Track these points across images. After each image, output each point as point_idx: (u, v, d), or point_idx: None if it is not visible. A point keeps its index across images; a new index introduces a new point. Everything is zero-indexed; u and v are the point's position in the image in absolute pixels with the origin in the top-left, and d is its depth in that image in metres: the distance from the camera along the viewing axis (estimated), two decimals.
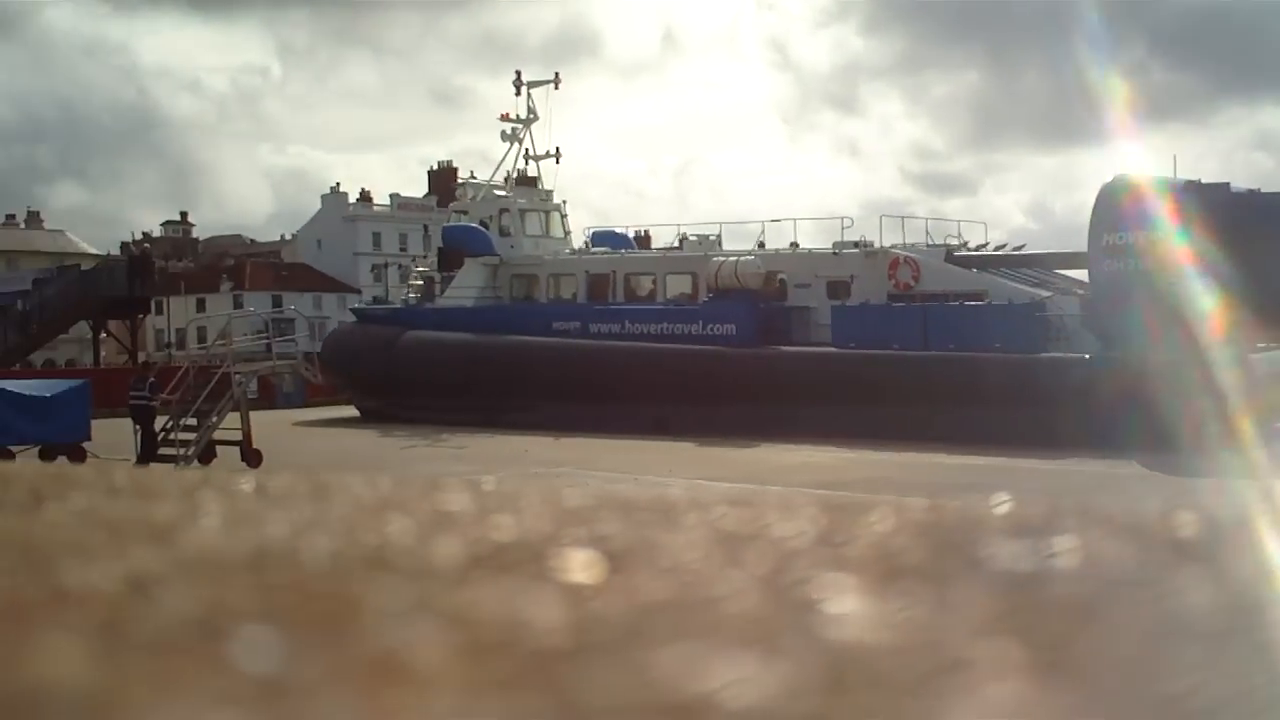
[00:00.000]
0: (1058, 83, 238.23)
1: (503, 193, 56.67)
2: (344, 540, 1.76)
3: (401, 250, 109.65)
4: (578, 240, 57.32)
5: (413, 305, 54.77)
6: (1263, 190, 38.95)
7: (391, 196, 66.22)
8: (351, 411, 51.31)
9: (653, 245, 56.09)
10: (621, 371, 43.12)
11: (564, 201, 59.98)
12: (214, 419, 33.93)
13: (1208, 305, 34.81)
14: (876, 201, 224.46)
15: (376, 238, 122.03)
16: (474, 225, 54.25)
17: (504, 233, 54.16)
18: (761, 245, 51.27)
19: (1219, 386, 33.59)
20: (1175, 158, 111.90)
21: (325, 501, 2.05)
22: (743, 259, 45.09)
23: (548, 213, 57.32)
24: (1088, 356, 36.17)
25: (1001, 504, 1.86)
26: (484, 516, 1.87)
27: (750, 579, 1.51)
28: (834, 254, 44.96)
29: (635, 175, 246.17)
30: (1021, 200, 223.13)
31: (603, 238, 56.86)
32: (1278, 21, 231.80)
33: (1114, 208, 36.19)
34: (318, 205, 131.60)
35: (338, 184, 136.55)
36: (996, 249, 45.39)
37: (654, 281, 48.88)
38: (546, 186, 58.86)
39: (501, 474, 26.49)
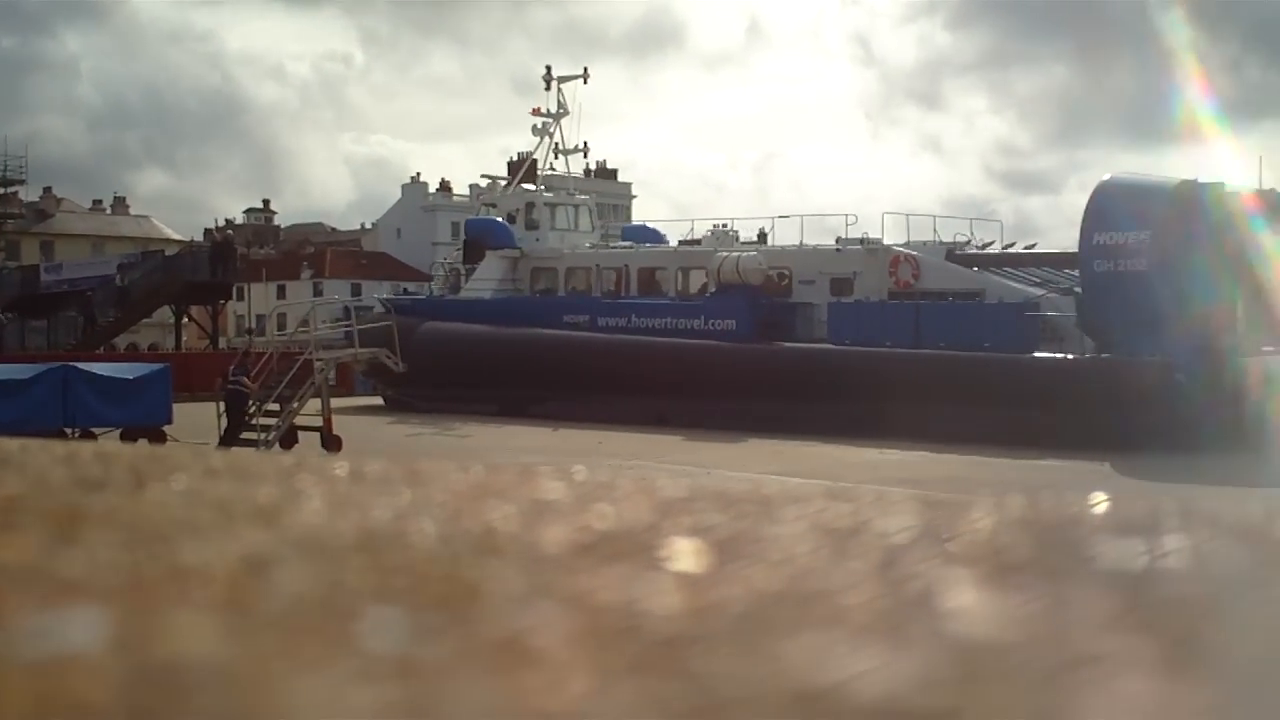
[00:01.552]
0: (1147, 80, 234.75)
1: (530, 186, 56.96)
2: (450, 525, 1.74)
3: None
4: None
5: (435, 297, 54.95)
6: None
7: (471, 187, 66.96)
8: (375, 400, 50.95)
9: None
10: (623, 365, 42.95)
11: (591, 195, 60.13)
12: (295, 404, 33.96)
13: (1204, 306, 34.71)
14: (958, 199, 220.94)
15: (455, 228, 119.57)
16: (496, 219, 54.33)
17: (530, 226, 54.26)
18: (761, 237, 51.34)
19: (1213, 388, 33.53)
20: (1261, 159, 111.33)
21: (423, 487, 2.03)
22: (745, 255, 44.84)
23: (576, 207, 57.27)
24: (1071, 356, 36.30)
25: (1100, 502, 1.85)
26: (584, 505, 1.86)
27: (863, 571, 1.49)
28: (837, 251, 44.91)
29: (715, 168, 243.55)
30: None
31: (635, 232, 56.84)
32: None
33: (1106, 208, 35.88)
34: (398, 194, 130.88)
35: (418, 174, 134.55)
36: (1005, 248, 45.26)
37: (668, 276, 48.81)
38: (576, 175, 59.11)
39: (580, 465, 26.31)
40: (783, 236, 48.85)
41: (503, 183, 59.17)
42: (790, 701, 1.07)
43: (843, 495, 1.91)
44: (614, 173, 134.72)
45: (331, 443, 32.86)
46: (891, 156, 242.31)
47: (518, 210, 54.49)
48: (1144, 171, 40.42)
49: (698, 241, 49.88)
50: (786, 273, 44.92)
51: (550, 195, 56.19)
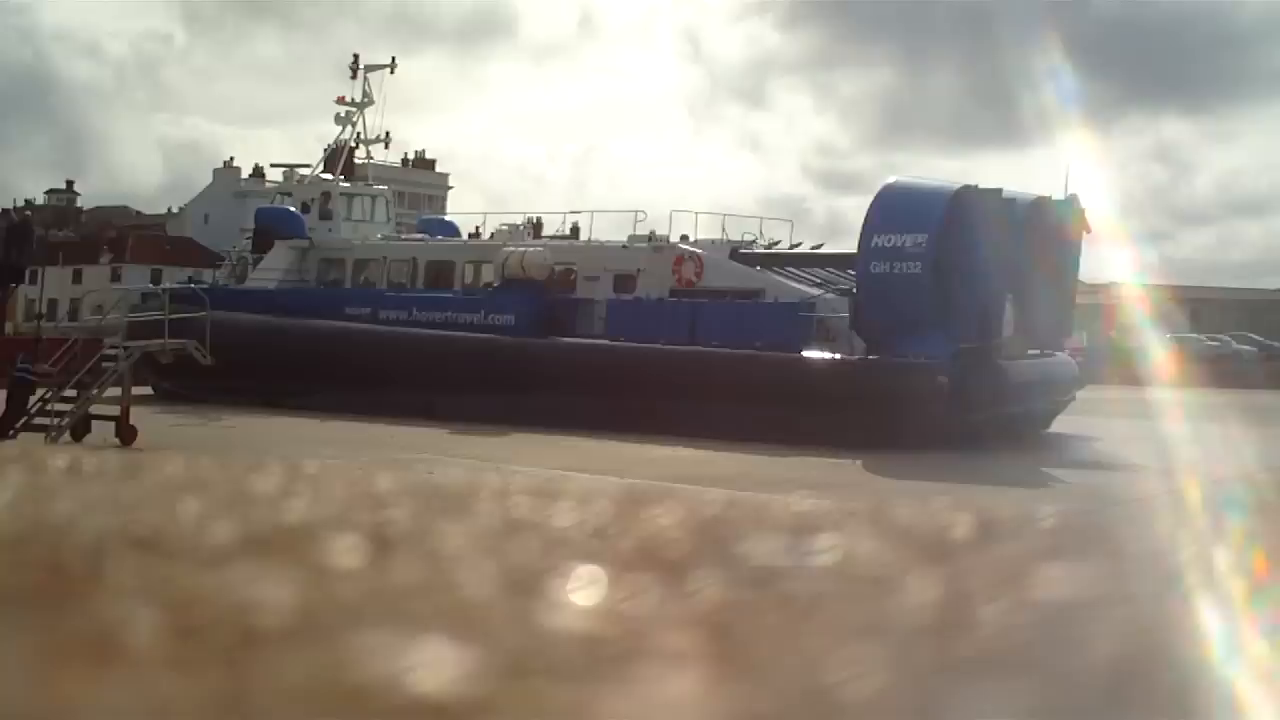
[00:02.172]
0: (967, 86, 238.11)
1: (327, 175, 55.72)
2: (121, 519, 1.72)
3: None
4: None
5: (218, 286, 52.57)
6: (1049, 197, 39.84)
7: (284, 173, 64.87)
8: (144, 390, 48.51)
9: (543, 232, 54.82)
10: (397, 357, 42.05)
11: (388, 187, 59.19)
12: (93, 393, 32.79)
13: (973, 310, 35.45)
14: (775, 197, 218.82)
15: None
16: (289, 208, 53.32)
17: (325, 216, 53.06)
18: (536, 228, 50.95)
19: (976, 390, 34.30)
20: (1068, 167, 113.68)
21: (132, 480, 1.98)
22: (530, 250, 44.30)
23: (373, 198, 55.96)
24: (838, 356, 36.67)
25: (796, 502, 1.86)
26: (282, 499, 1.86)
27: (496, 567, 1.49)
28: (623, 248, 44.69)
29: (534, 160, 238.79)
30: None
31: (431, 225, 56.09)
32: (1188, 34, 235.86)
33: (886, 211, 36.06)
34: (209, 179, 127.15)
35: (231, 158, 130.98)
36: (792, 247, 45.59)
37: (457, 270, 48.11)
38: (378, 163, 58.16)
39: (364, 459, 25.86)
40: (601, 231, 48.33)
41: (302, 171, 58.08)
42: (336, 697, 1.09)
43: (550, 490, 1.92)
44: (432, 163, 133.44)
45: (127, 433, 31.93)
46: (712, 153, 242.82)
47: (313, 200, 53.50)
48: (946, 177, 41.15)
49: (491, 237, 49.46)
50: (573, 268, 44.79)
51: (346, 185, 54.92)
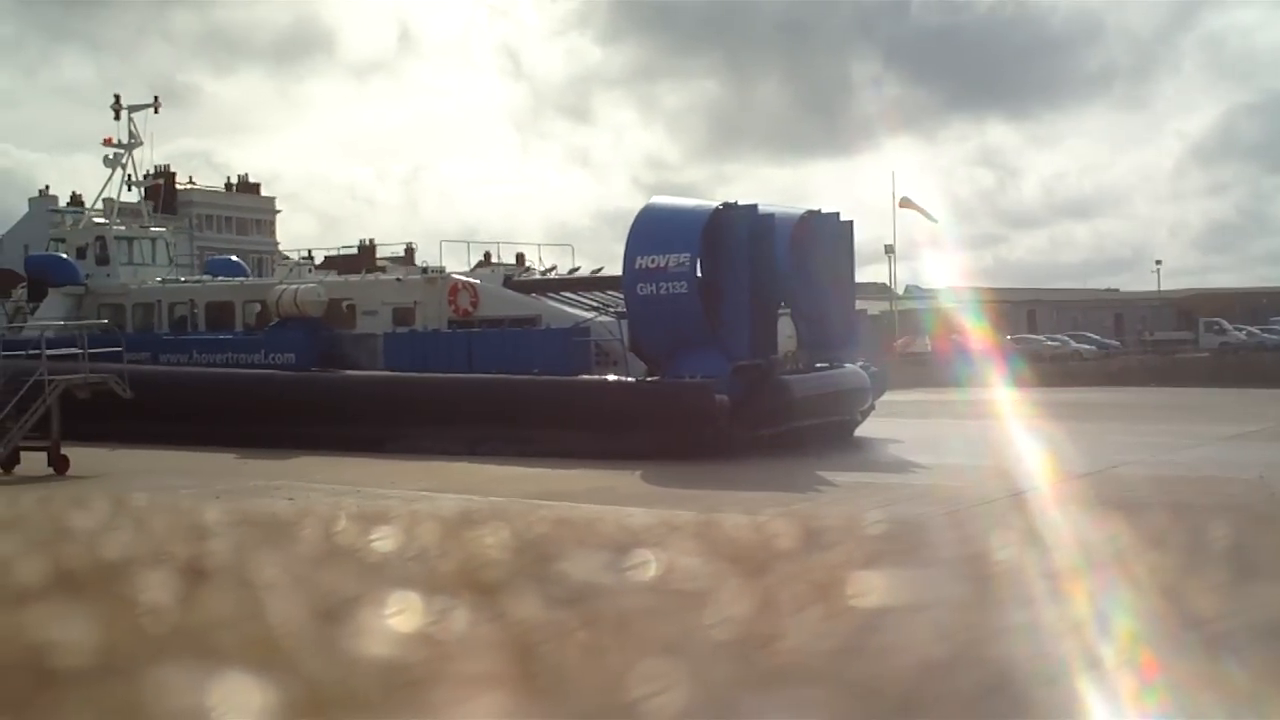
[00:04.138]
0: (793, 95, 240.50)
1: (102, 220, 54.88)
2: None
3: None
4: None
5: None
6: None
7: (106, 201, 62.86)
8: None
9: (378, 255, 53.84)
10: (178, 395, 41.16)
11: (168, 228, 58.53)
12: (21, 424, 33.20)
13: (745, 326, 35.66)
14: (608, 211, 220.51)
15: None
16: (60, 254, 52.49)
17: (101, 261, 52.42)
18: (309, 261, 50.41)
19: (757, 407, 34.54)
20: (894, 174, 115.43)
21: None
22: (304, 287, 43.97)
23: (152, 240, 55.26)
24: (613, 379, 36.67)
25: (631, 516, 1.93)
26: (99, 533, 1.90)
27: (266, 591, 1.51)
28: (398, 280, 44.65)
29: (364, 181, 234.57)
30: None
31: (219, 266, 55.61)
32: (1006, 41, 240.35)
33: (647, 233, 36.19)
34: (24, 208, 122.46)
35: (46, 186, 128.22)
36: (570, 271, 45.77)
37: (236, 310, 47.57)
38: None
39: (222, 488, 26.62)
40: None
41: (74, 216, 57.25)
42: None
43: (384, 514, 2.07)
44: (256, 187, 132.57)
45: (59, 463, 32.76)
46: (542, 170, 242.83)
47: (87, 245, 52.75)
48: (785, 185, 41.54)
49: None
50: (351, 304, 44.58)
51: (122, 229, 53.93)
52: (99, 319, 48.47)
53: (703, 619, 1.60)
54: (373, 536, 1.98)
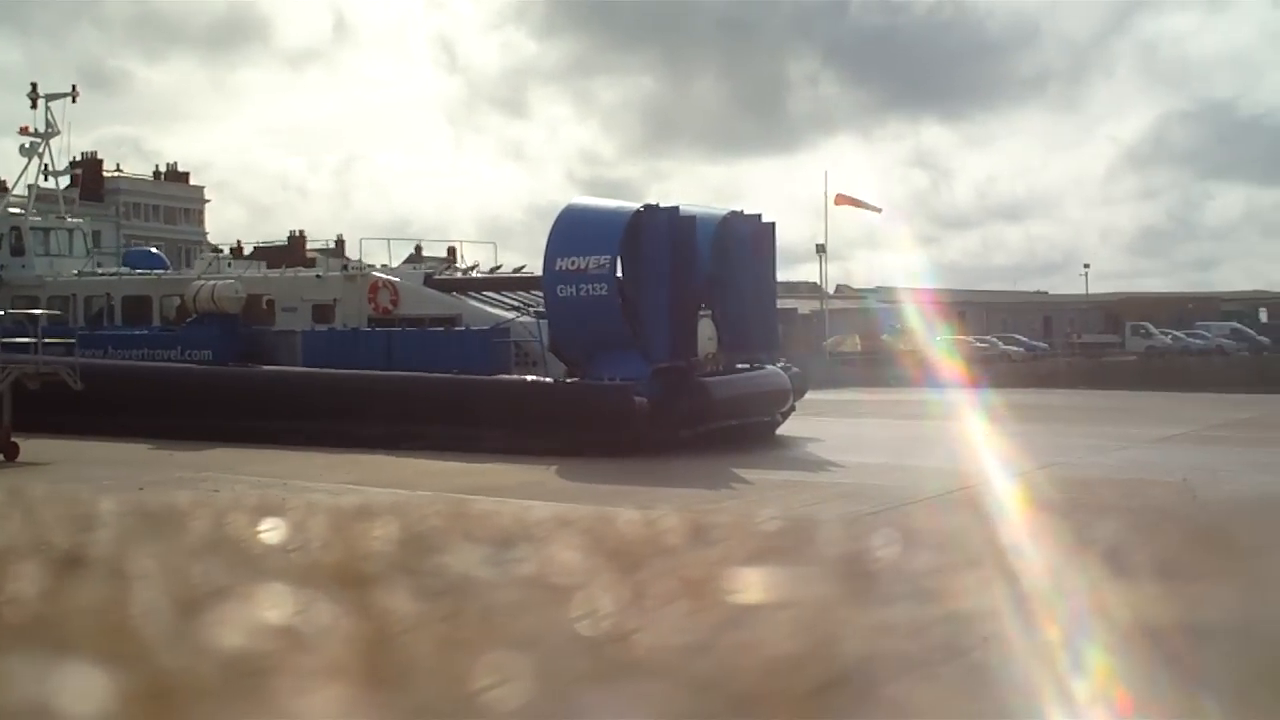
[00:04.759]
0: (730, 93, 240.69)
1: (17, 210, 54.28)
2: None
3: None
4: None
5: None
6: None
7: (29, 187, 62.03)
8: None
9: (308, 246, 53.37)
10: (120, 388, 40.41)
11: (85, 219, 57.80)
12: None
13: (664, 328, 35.74)
14: (541, 205, 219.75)
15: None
16: None
17: (17, 251, 51.93)
18: (226, 256, 49.95)
19: (676, 409, 34.64)
20: (826, 173, 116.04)
21: None
22: (221, 283, 43.66)
23: (70, 231, 54.59)
24: (531, 379, 36.75)
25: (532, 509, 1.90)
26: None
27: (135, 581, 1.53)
28: (318, 277, 44.50)
29: (295, 171, 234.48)
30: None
31: (138, 258, 55.12)
32: (943, 43, 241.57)
33: (567, 234, 36.12)
34: None
35: None
36: (492, 270, 45.67)
37: (151, 304, 47.19)
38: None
39: (147, 479, 26.42)
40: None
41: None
42: None
43: (312, 506, 2.05)
44: (185, 176, 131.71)
45: (9, 449, 33.19)
46: (475, 163, 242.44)
47: (2, 235, 52.12)
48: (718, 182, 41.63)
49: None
50: (270, 299, 44.34)
51: (38, 219, 53.32)
52: (12, 309, 47.95)
53: (568, 613, 1.61)
54: (262, 529, 1.99)
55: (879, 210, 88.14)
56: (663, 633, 1.55)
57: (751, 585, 1.78)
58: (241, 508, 2.22)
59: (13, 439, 33.71)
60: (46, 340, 37.34)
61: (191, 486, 26.25)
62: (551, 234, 36.54)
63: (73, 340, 38.43)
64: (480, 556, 1.81)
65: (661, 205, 36.97)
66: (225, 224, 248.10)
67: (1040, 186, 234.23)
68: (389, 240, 46.31)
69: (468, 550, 1.83)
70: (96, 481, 25.94)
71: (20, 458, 33.29)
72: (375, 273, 43.09)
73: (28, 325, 37.81)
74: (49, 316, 40.34)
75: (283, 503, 2.39)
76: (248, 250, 55.00)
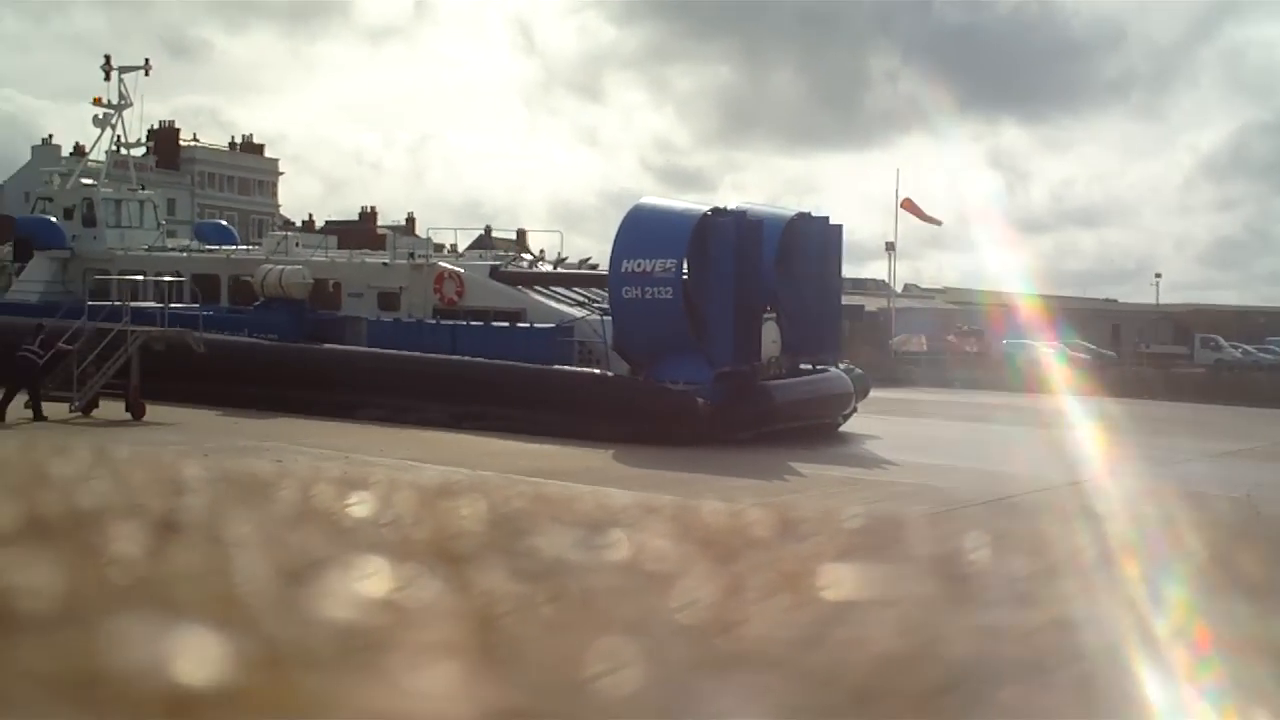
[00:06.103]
0: (807, 87, 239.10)
1: (89, 181, 54.50)
2: None
3: None
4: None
5: None
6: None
7: (108, 153, 61.35)
8: None
9: (378, 224, 53.67)
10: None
11: (158, 192, 58.11)
12: (106, 371, 36.54)
13: (729, 331, 35.69)
14: (614, 191, 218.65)
15: None
16: (47, 217, 52.26)
17: (88, 223, 52.15)
18: (297, 233, 49.95)
19: (738, 414, 34.63)
20: (898, 171, 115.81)
21: None
22: (289, 269, 43.83)
23: (141, 203, 54.93)
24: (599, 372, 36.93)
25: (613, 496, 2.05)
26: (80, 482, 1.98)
27: (243, 553, 1.57)
28: (385, 265, 44.71)
29: (370, 147, 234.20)
30: (756, 201, 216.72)
31: (208, 230, 55.45)
32: (1027, 42, 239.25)
33: (634, 235, 36.29)
34: (27, 155, 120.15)
35: (50, 135, 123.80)
36: (558, 261, 45.69)
37: (220, 283, 47.43)
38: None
39: (210, 446, 27.45)
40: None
41: (62, 175, 56.86)
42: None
43: (365, 479, 2.16)
44: (260, 148, 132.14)
45: (136, 408, 35.97)
46: (548, 146, 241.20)
47: (74, 206, 52.47)
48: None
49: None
50: (337, 285, 44.52)
51: (110, 190, 53.74)
52: (86, 284, 48.26)
53: (668, 601, 1.61)
54: (351, 501, 2.02)
55: (939, 223, 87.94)
56: (768, 625, 1.53)
57: (848, 581, 1.76)
58: (325, 479, 2.25)
59: (141, 399, 36.28)
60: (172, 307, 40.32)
61: (255, 455, 26.84)
62: (618, 235, 36.64)
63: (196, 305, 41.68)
64: (571, 540, 1.81)
65: (729, 207, 36.97)
66: (298, 197, 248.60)
67: (1116, 193, 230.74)
68: (456, 230, 45.99)
69: (558, 534, 1.84)
70: (229, 448, 28.00)
71: (161, 420, 35.22)
72: (442, 263, 43.10)
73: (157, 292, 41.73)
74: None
75: (366, 476, 2.42)
76: (319, 225, 54.88)
